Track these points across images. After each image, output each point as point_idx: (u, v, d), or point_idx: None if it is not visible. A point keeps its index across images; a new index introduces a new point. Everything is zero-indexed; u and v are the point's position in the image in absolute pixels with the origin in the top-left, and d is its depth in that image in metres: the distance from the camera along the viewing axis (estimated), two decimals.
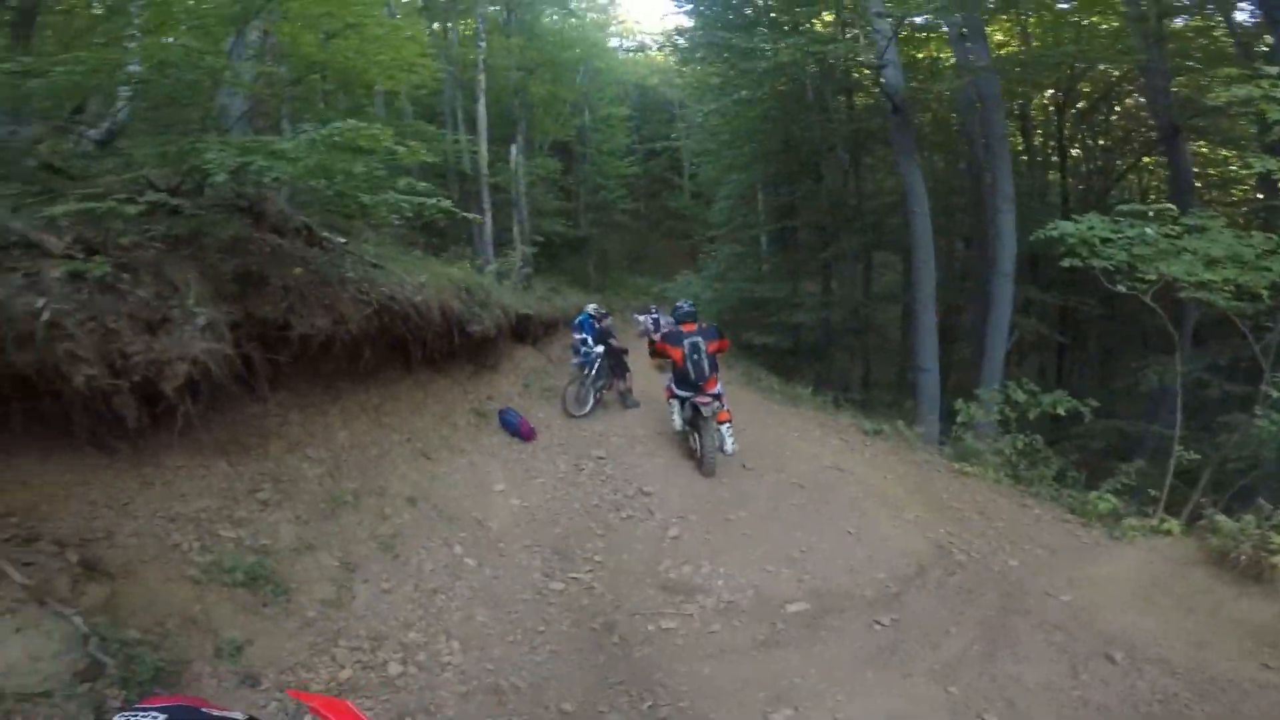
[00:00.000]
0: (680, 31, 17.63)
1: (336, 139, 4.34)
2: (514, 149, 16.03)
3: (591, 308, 10.47)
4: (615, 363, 9.91)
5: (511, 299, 11.16)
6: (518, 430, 8.00)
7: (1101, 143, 17.71)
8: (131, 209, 3.70)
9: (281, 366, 5.29)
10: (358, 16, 6.47)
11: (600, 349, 9.69)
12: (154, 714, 1.17)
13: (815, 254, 16.78)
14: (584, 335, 9.97)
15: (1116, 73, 14.55)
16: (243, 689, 3.62)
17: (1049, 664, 4.27)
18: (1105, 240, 6.28)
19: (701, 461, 6.97)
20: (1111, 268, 6.23)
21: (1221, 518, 5.35)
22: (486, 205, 14.63)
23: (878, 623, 4.65)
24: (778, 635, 4.60)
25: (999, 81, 10.74)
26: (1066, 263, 6.54)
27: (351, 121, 4.37)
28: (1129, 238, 6.23)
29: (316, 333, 5.41)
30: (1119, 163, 17.92)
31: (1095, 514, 6.13)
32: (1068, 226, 6.47)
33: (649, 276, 27.91)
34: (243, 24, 5.65)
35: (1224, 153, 14.93)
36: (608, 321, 10.23)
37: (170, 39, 5.40)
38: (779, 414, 9.59)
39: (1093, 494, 6.32)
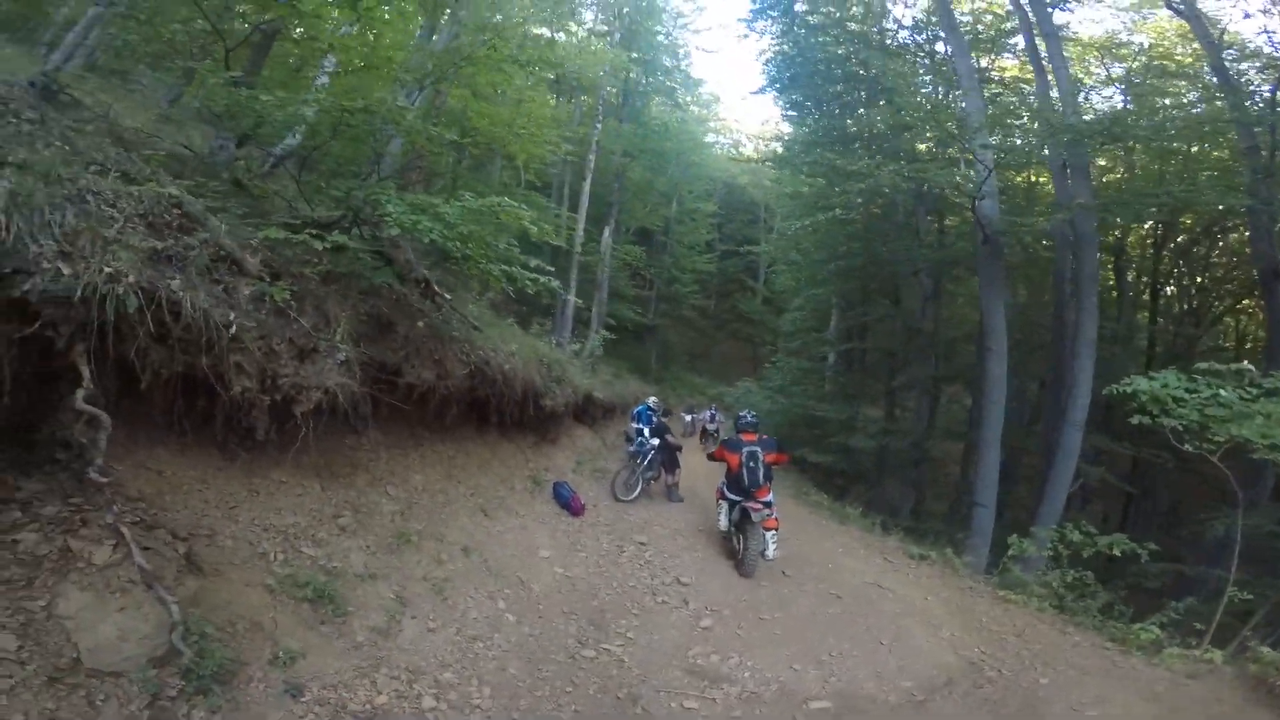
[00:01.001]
0: (780, 138, 18.62)
1: (485, 210, 4.93)
2: (607, 231, 17.11)
3: (652, 400, 11.04)
4: (668, 457, 10.28)
5: (581, 379, 11.89)
6: (569, 504, 8.45)
7: (1199, 281, 17.03)
8: (318, 243, 4.39)
9: (381, 408, 5.98)
10: (519, 92, 7.40)
11: (656, 441, 10.16)
12: None
13: (882, 379, 16.90)
14: (640, 425, 10.47)
15: (1221, 206, 13.87)
16: (285, 697, 3.91)
17: None
18: (1178, 400, 6.29)
19: (742, 562, 7.19)
20: (1181, 427, 6.25)
21: (1265, 648, 5.19)
22: (573, 282, 15.59)
23: None
24: None
25: (1096, 218, 10.75)
26: (1135, 419, 6.57)
27: (505, 200, 5.02)
28: (1203, 398, 6.21)
29: (421, 384, 6.12)
30: (1215, 305, 17.28)
31: (1136, 643, 6.03)
32: (1142, 383, 6.49)
33: (708, 377, 28.45)
34: (430, 84, 6.56)
35: None
36: (667, 417, 10.75)
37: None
38: (826, 529, 9.76)
39: (1136, 625, 6.28)
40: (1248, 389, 6.26)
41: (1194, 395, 6.30)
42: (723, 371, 29.01)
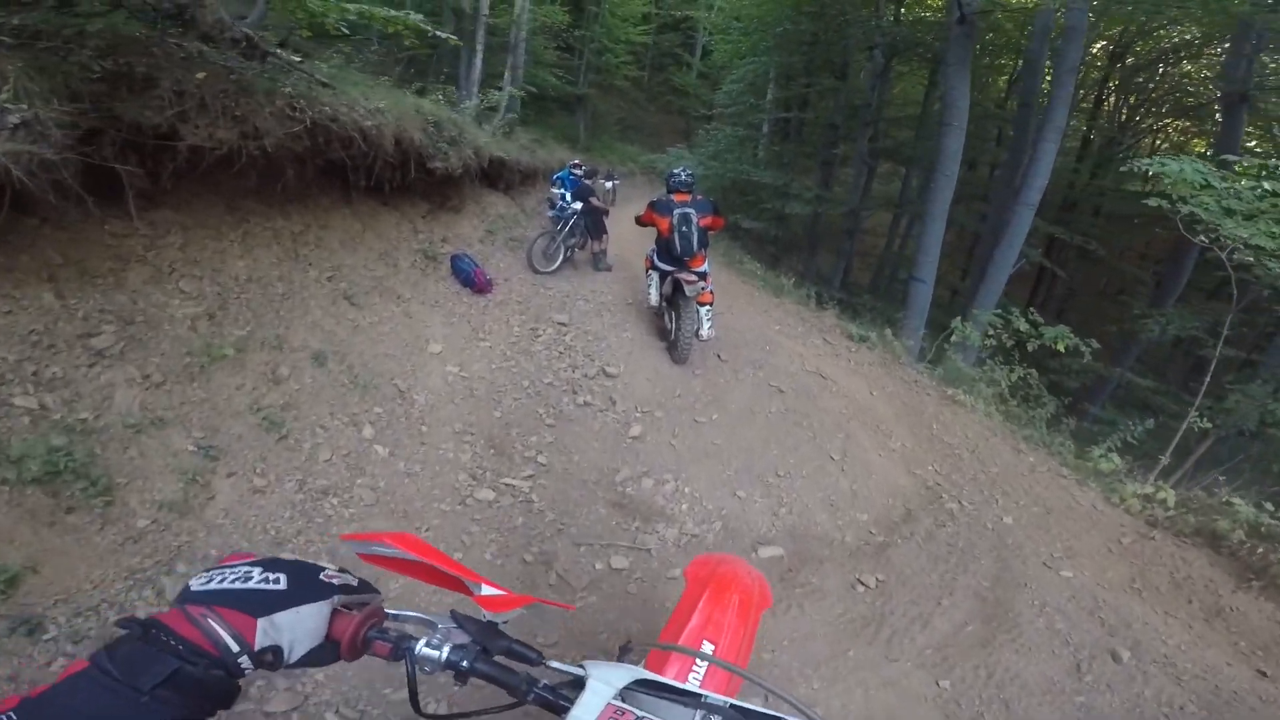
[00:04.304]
0: None
1: None
2: None
3: (576, 163, 8.64)
4: (593, 222, 8.29)
5: (488, 141, 9.15)
6: (470, 279, 6.43)
7: (1132, 100, 15.95)
8: None
9: (163, 182, 3.63)
10: None
11: (578, 205, 8.01)
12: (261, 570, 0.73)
13: (819, 150, 14.57)
14: (563, 190, 8.26)
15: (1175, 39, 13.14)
16: (16, 639, 2.25)
17: (1051, 658, 3.25)
18: (1205, 187, 5.24)
19: (675, 345, 5.60)
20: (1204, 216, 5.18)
21: (1239, 501, 4.45)
22: (480, 45, 11.95)
23: (861, 583, 3.51)
24: None
25: (1088, 9, 8.59)
26: (1154, 202, 5.64)
27: None
28: (1227, 189, 5.24)
29: (216, 145, 3.73)
30: (1142, 123, 16.26)
31: (1092, 471, 5.04)
32: (1173, 166, 5.38)
33: (640, 146, 25.36)
34: None
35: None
36: (591, 179, 8.46)
37: None
38: (761, 303, 8.16)
39: (1097, 453, 5.17)
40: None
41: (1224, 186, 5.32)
42: (655, 143, 25.63)
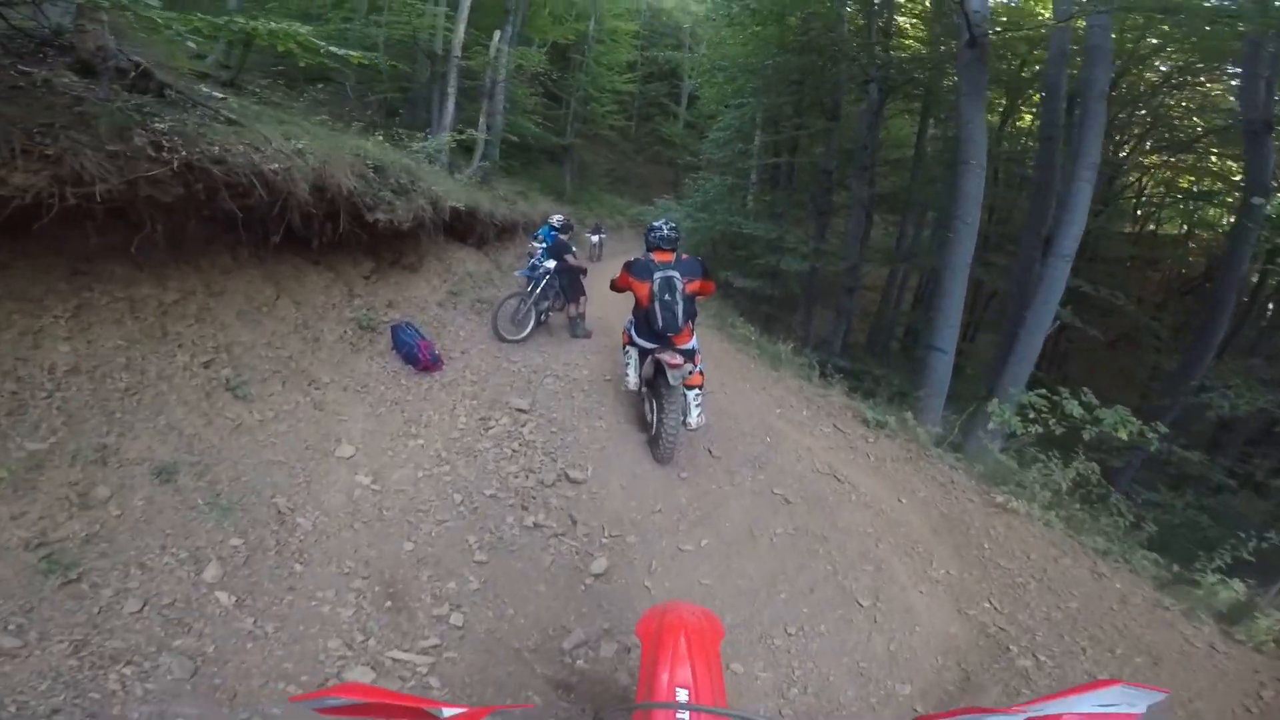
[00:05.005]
0: None
1: None
2: (497, 34, 12.54)
3: (557, 218, 7.76)
4: (569, 282, 7.35)
5: (450, 188, 8.28)
6: (414, 355, 5.39)
7: (1119, 137, 15.08)
8: None
9: None
10: None
11: (551, 263, 7.07)
12: None
13: (812, 199, 13.75)
14: (543, 246, 7.36)
15: (1170, 65, 12.52)
16: None
17: None
18: None
19: (657, 441, 4.52)
20: None
21: None
22: (452, 89, 11.26)
23: None
24: None
25: (1111, 28, 7.85)
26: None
27: None
28: None
29: (14, 193, 2.74)
30: (1128, 157, 15.45)
31: (1204, 600, 3.92)
32: None
33: (628, 198, 24.92)
34: None
35: None
36: (568, 234, 7.57)
37: None
38: (757, 377, 7.13)
39: (1210, 579, 4.02)
40: None
41: None
42: (643, 194, 25.10)
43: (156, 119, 3.48)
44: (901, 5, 13.68)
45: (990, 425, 5.69)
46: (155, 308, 3.67)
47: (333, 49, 3.37)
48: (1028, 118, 16.00)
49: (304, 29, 3.18)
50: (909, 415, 6.17)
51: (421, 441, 4.40)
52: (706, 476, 4.52)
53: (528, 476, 4.22)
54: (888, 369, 11.85)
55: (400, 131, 8.70)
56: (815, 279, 12.96)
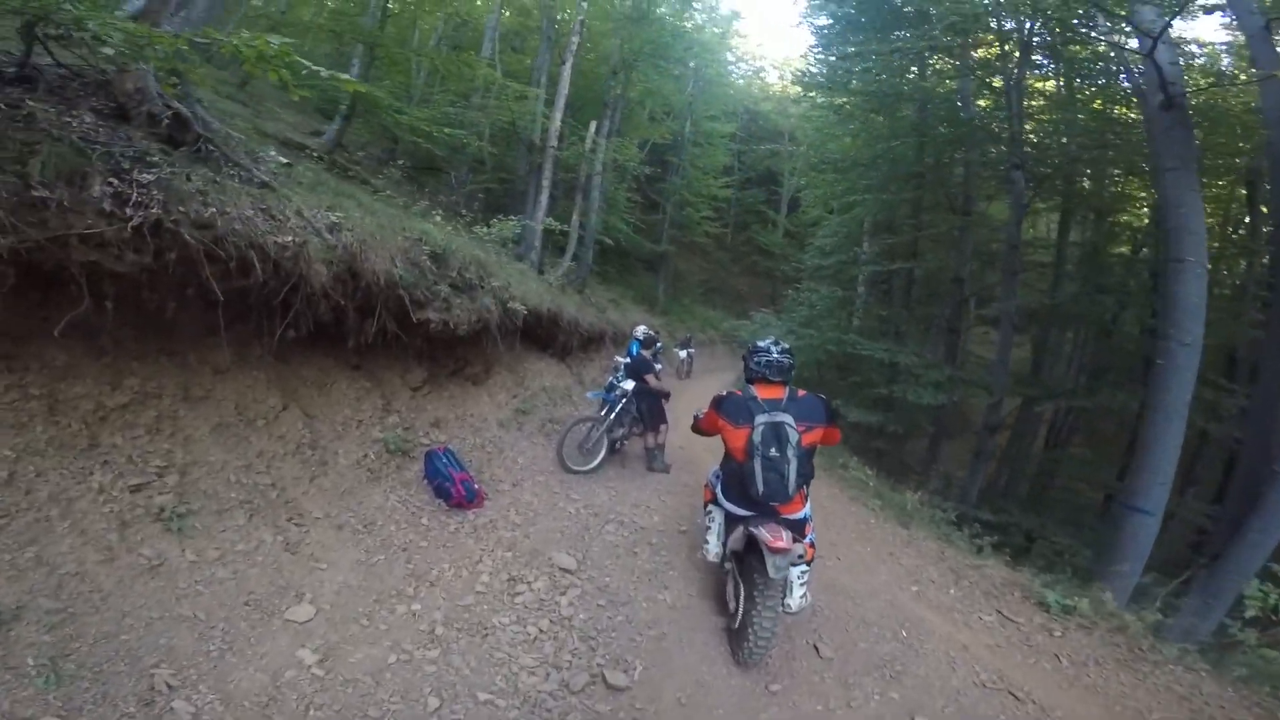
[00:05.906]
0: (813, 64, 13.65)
1: None
2: (593, 125, 12.44)
3: (641, 330, 6.78)
4: (649, 406, 6.22)
5: (534, 289, 7.54)
6: (445, 489, 4.31)
7: None
8: None
9: None
10: None
11: (630, 384, 6.01)
12: None
13: (945, 312, 11.75)
14: (626, 361, 6.37)
15: None
16: None
17: None
18: None
19: (742, 637, 3.14)
20: None
21: None
22: (547, 180, 11.03)
23: None
24: None
25: None
26: None
27: None
28: None
29: None
30: None
31: None
32: None
33: (722, 310, 24.10)
34: None
35: None
36: (652, 350, 6.52)
37: None
38: (880, 536, 5.55)
39: None
40: None
41: None
42: (737, 307, 24.22)
43: (152, 169, 2.80)
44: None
45: (1249, 613, 3.83)
46: (89, 411, 2.85)
47: (320, 70, 2.65)
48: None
49: (279, 40, 2.42)
50: (1107, 596, 4.35)
51: (417, 608, 3.22)
52: (810, 691, 3.05)
53: (549, 676, 2.91)
54: (1042, 522, 9.51)
55: (482, 216, 8.25)
56: (945, 412, 10.89)
